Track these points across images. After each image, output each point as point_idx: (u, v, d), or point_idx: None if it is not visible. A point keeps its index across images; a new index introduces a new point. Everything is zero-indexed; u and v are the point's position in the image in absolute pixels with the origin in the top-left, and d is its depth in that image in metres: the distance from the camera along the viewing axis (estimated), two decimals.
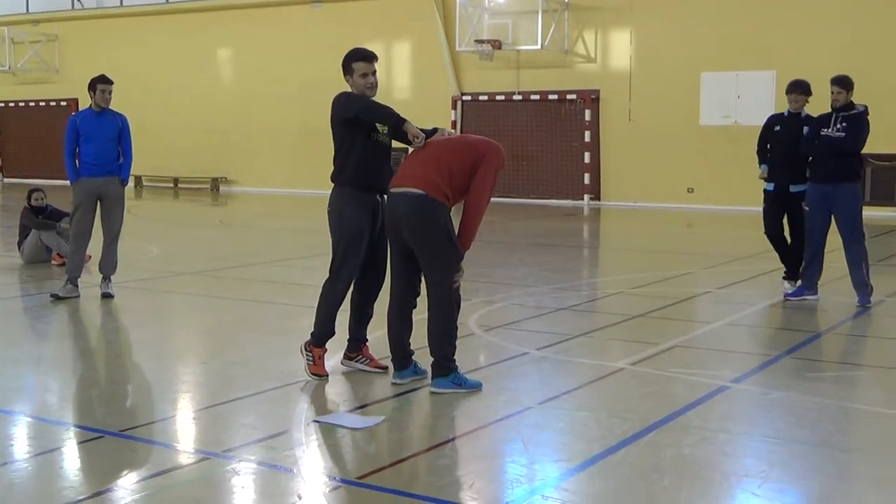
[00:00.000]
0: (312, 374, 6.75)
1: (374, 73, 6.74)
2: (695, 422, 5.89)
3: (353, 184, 6.69)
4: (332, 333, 6.89)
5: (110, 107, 10.15)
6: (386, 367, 6.91)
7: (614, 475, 4.97)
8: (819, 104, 10.30)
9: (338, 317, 6.91)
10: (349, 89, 6.79)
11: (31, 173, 30.87)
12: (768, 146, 10.52)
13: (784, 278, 10.51)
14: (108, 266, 10.24)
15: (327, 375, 6.77)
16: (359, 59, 6.73)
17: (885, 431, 5.87)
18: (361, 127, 6.63)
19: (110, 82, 10.09)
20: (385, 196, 6.71)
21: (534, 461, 5.22)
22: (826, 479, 4.99)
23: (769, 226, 10.53)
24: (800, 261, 10.36)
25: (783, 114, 10.54)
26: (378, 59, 6.86)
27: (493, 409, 6.19)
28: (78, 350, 8.32)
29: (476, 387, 6.53)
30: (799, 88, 10.33)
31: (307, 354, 6.83)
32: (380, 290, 6.99)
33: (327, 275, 6.82)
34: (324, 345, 6.85)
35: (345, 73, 6.79)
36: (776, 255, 10.72)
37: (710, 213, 22.18)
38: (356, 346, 7.01)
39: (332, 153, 6.78)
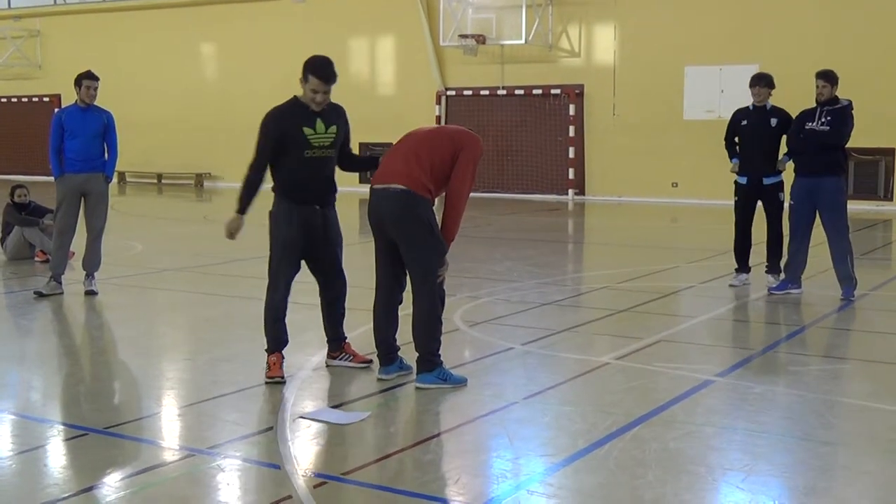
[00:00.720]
0: (267, 378, 6.59)
1: (326, 92, 6.61)
2: (679, 416, 5.91)
3: (288, 196, 6.67)
4: (284, 341, 6.76)
5: (96, 103, 10.12)
6: (370, 361, 6.92)
7: (600, 469, 4.98)
8: (802, 98, 10.34)
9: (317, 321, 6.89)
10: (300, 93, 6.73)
11: (13, 169, 30.70)
12: (737, 140, 10.60)
13: (766, 272, 10.55)
14: (91, 263, 10.20)
15: (282, 377, 6.59)
16: (317, 76, 6.58)
17: (868, 424, 5.90)
18: (290, 149, 6.60)
19: (96, 78, 10.05)
20: (323, 207, 6.76)
21: (519, 456, 5.23)
22: (810, 472, 5.02)
23: (741, 218, 10.59)
24: (779, 254, 10.43)
25: (748, 107, 10.59)
26: (337, 80, 6.65)
27: (479, 404, 6.19)
28: (62, 347, 8.30)
29: (461, 382, 6.53)
30: (762, 81, 10.41)
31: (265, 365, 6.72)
32: (341, 293, 6.99)
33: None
34: (276, 351, 6.72)
35: (302, 76, 6.63)
36: (761, 249, 10.74)
37: (695, 207, 22.24)
38: (337, 345, 7.04)
39: None
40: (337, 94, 6.88)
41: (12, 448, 5.41)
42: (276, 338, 6.74)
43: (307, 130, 6.62)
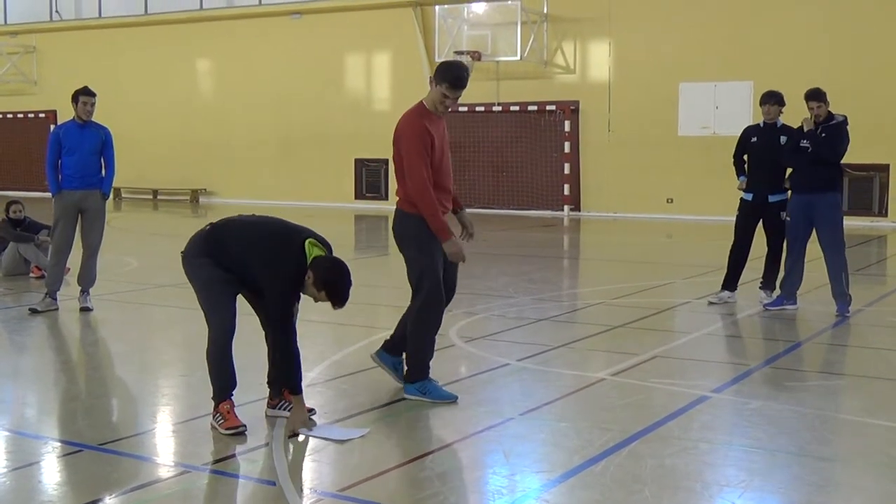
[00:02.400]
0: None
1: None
2: (675, 432, 5.91)
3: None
4: (234, 384, 6.08)
5: (93, 119, 10.12)
6: (312, 411, 6.18)
7: (595, 486, 4.98)
8: (795, 114, 10.34)
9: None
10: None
11: (8, 185, 30.68)
12: (745, 157, 10.57)
13: (760, 288, 10.55)
14: (87, 279, 10.18)
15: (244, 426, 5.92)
16: (332, 299, 5.72)
17: (864, 440, 5.90)
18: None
19: (92, 94, 10.05)
20: None
21: (515, 472, 5.22)
22: (806, 488, 5.01)
23: (740, 235, 10.53)
24: (777, 270, 10.42)
25: (759, 125, 10.57)
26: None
27: (475, 420, 6.19)
28: (56, 363, 8.27)
29: (446, 398, 6.52)
30: (773, 99, 10.35)
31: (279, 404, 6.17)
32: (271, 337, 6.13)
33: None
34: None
35: (316, 282, 5.69)
36: (756, 266, 10.75)
37: (690, 223, 22.27)
38: (278, 391, 6.24)
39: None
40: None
41: (7, 464, 5.39)
42: (233, 377, 6.10)
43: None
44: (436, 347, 6.86)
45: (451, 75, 6.50)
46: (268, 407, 6.25)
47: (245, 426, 5.84)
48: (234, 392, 6.01)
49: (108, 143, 10.16)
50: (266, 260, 5.79)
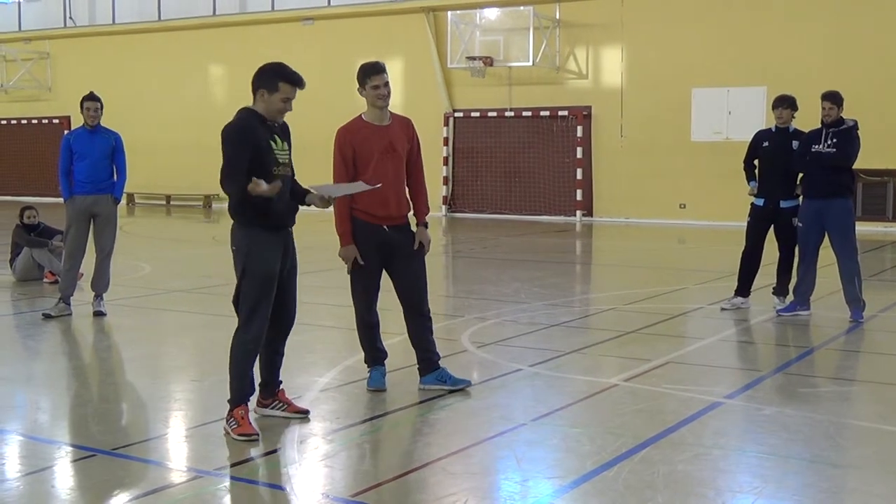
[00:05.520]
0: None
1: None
2: (688, 438, 5.89)
3: (258, 222, 5.93)
4: (253, 390, 6.07)
5: (102, 124, 10.15)
6: (307, 412, 6.26)
7: (608, 492, 4.97)
8: (808, 119, 10.32)
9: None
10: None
11: (22, 191, 30.81)
12: (755, 162, 10.53)
13: (773, 293, 10.51)
14: (100, 284, 10.22)
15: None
16: (289, 82, 6.03)
17: (877, 447, 5.87)
18: (260, 166, 5.87)
19: (96, 100, 10.08)
20: (290, 228, 6.19)
21: (527, 478, 5.22)
22: (819, 495, 4.99)
23: (751, 241, 10.48)
24: (789, 276, 10.38)
25: (770, 129, 10.53)
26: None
27: (487, 425, 6.18)
28: (70, 368, 8.30)
29: (378, 385, 6.84)
30: (785, 103, 10.31)
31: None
32: (286, 331, 6.28)
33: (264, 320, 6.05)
34: (243, 401, 5.99)
35: (264, 87, 6.01)
36: (769, 271, 10.70)
37: (702, 228, 22.22)
38: (270, 392, 6.29)
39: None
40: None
41: (20, 469, 5.41)
42: (252, 383, 6.05)
43: (273, 144, 5.99)
44: (442, 354, 7.17)
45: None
46: (258, 406, 6.23)
47: (258, 434, 5.83)
48: (250, 398, 6.01)
49: (119, 149, 10.21)
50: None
